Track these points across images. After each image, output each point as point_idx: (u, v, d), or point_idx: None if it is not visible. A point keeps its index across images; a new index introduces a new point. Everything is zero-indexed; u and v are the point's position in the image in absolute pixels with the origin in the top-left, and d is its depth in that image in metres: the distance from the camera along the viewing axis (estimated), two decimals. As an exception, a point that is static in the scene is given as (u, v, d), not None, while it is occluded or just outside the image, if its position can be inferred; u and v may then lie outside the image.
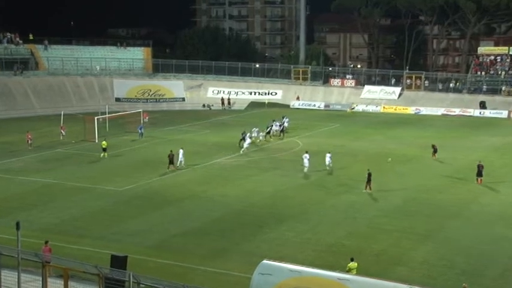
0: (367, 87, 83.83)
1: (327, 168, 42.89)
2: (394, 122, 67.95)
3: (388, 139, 56.82)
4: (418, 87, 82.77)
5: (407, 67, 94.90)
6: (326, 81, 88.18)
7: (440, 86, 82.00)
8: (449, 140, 56.45)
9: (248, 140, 49.35)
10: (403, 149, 51.82)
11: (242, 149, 47.36)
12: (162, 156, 47.05)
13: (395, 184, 39.41)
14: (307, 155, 43.08)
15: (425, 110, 76.64)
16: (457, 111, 74.80)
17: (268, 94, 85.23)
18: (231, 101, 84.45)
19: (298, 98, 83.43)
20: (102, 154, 47.48)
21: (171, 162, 43.49)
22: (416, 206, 34.80)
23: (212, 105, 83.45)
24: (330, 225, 31.31)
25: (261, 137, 52.04)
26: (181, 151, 44.09)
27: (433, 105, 77.38)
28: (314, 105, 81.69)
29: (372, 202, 35.64)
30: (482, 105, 73.72)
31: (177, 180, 41.18)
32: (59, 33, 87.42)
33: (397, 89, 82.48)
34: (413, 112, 76.87)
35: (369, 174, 37.08)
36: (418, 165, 45.94)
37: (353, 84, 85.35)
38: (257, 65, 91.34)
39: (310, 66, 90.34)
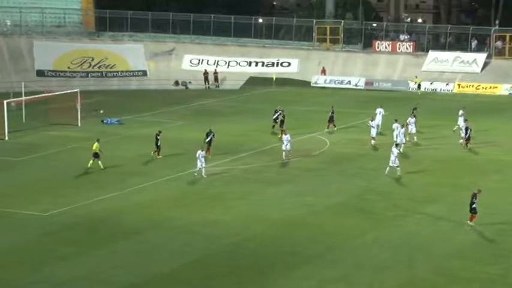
0: (432, 53, 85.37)
1: (396, 170, 45.49)
2: (476, 109, 67.48)
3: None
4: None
5: (497, 21, 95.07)
6: (368, 45, 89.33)
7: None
8: None
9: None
10: (491, 151, 52.23)
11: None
12: (113, 162, 47.44)
13: (479, 207, 38.66)
14: (395, 150, 45.80)
15: (524, 90, 78.39)
16: None
17: (278, 65, 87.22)
18: (220, 77, 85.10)
19: (324, 72, 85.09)
20: (90, 162, 47.64)
21: (158, 146, 48.50)
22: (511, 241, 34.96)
23: (190, 83, 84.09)
24: (373, 269, 31.36)
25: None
26: (200, 153, 46.12)
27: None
28: (349, 83, 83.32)
29: (443, 235, 35.80)
30: None
31: (136, 200, 41.72)
32: None
33: (481, 57, 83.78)
34: (506, 93, 78.26)
35: (474, 197, 36.79)
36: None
37: (410, 50, 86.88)
38: (260, 20, 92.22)
39: (342, 22, 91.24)
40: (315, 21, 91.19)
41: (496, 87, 79.41)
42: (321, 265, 31.96)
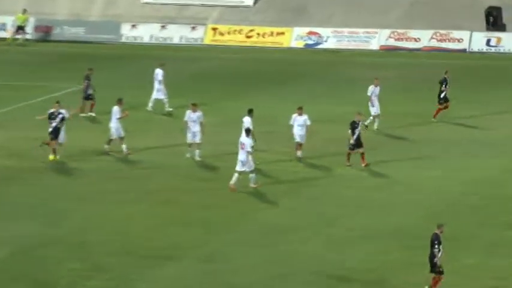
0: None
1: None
2: (249, 79, 61.48)
3: (232, 122, 48.36)
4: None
5: None
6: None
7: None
8: (400, 125, 50.44)
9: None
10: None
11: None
12: None
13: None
14: (248, 142, 39.86)
15: (333, 38, 69.93)
16: (423, 37, 70.33)
17: None
18: None
19: None
20: None
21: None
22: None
23: None
24: None
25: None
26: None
27: (357, 25, 71.42)
28: (2, 28, 71.62)
29: None
30: (492, 18, 72.20)
31: None
32: None
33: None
34: (301, 43, 69.77)
35: (436, 240, 29.82)
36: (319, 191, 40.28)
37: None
38: None
39: None
40: None
41: (283, 32, 69.50)
42: None
